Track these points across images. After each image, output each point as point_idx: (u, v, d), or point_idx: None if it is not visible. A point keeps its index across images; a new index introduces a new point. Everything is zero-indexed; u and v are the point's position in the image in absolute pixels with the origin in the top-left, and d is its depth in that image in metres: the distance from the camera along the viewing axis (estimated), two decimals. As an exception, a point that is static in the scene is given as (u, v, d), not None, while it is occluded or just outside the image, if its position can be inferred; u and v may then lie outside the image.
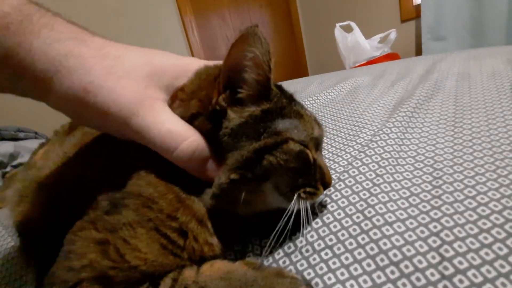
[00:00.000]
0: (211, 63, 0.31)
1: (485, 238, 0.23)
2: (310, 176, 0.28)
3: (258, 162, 0.26)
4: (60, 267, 0.25)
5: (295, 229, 0.29)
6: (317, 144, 0.30)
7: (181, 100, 0.28)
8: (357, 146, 0.40)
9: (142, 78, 0.26)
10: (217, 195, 0.27)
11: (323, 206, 0.31)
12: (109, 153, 0.30)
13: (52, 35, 0.23)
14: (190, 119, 0.27)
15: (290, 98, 0.30)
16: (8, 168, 0.89)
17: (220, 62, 0.31)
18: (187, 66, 0.30)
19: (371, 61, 1.81)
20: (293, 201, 0.27)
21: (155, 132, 0.25)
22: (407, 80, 0.64)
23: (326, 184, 0.29)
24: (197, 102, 0.28)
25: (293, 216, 0.27)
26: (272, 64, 0.26)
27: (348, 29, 1.93)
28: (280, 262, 0.28)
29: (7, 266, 0.36)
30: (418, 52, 2.16)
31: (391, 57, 1.81)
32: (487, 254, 0.21)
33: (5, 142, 0.95)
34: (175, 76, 0.28)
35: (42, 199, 0.32)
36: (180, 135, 0.25)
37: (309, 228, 0.29)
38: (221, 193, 0.26)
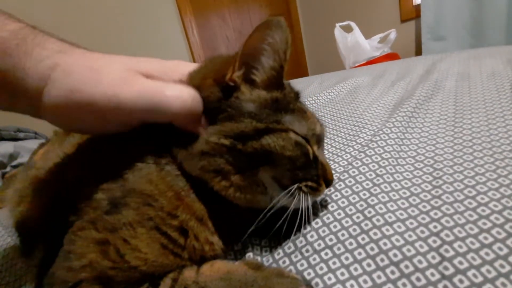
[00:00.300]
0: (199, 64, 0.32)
1: (485, 238, 0.23)
2: (312, 171, 0.28)
3: (254, 140, 0.26)
4: (59, 267, 0.25)
5: (296, 229, 0.29)
6: (319, 141, 0.30)
7: (190, 80, 0.29)
8: (357, 146, 0.40)
9: (124, 66, 0.26)
10: (205, 153, 0.26)
11: (323, 206, 0.31)
12: (108, 152, 0.30)
13: (43, 52, 0.24)
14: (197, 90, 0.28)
15: (297, 95, 0.31)
16: (8, 169, 0.89)
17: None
18: (174, 66, 0.30)
19: (371, 61, 1.81)
20: (292, 191, 0.27)
21: (149, 95, 0.25)
22: (407, 80, 0.64)
23: (328, 181, 0.29)
24: (211, 81, 0.28)
25: (292, 207, 0.27)
26: (288, 56, 0.27)
27: (348, 29, 1.93)
28: (280, 262, 0.28)
29: (7, 266, 0.36)
30: (418, 52, 2.16)
31: (391, 57, 1.81)
32: (487, 254, 0.21)
33: (5, 142, 0.95)
34: (162, 72, 0.28)
35: (42, 199, 0.32)
36: (174, 89, 0.26)
37: (309, 228, 0.29)
38: (209, 154, 0.26)
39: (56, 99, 0.24)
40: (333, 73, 1.02)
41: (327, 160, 0.32)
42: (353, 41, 1.90)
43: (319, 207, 0.31)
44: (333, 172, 0.36)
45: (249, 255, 0.30)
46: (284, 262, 0.27)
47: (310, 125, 0.29)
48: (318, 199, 0.31)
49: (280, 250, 0.29)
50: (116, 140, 0.29)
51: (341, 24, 1.95)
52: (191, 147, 0.27)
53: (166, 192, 0.26)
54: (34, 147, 0.60)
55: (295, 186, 0.27)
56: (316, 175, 0.28)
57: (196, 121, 0.27)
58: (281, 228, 0.28)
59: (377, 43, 1.91)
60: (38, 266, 0.31)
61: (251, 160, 0.26)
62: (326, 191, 0.31)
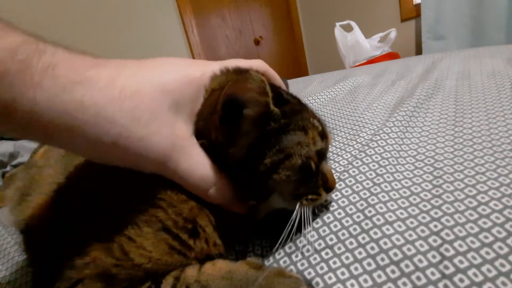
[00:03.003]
0: (216, 69, 0.29)
1: (486, 237, 0.23)
2: (312, 184, 0.28)
3: (264, 182, 0.26)
4: (62, 264, 0.25)
5: (296, 229, 0.29)
6: (321, 154, 0.29)
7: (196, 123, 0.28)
8: (358, 146, 0.40)
9: (167, 115, 0.24)
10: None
11: (323, 206, 0.31)
12: None
13: (56, 84, 0.20)
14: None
15: (294, 111, 0.29)
16: (8, 168, 0.89)
17: (224, 63, 0.30)
18: (199, 81, 0.28)
19: (371, 60, 1.81)
20: (296, 208, 0.27)
21: (189, 178, 0.26)
22: (407, 80, 0.64)
23: (329, 189, 0.29)
24: (202, 125, 0.27)
25: (296, 222, 0.27)
26: (270, 97, 0.25)
27: (348, 28, 1.93)
28: (281, 262, 0.28)
29: (8, 265, 0.36)
30: (418, 51, 2.16)
31: (391, 56, 1.81)
32: (487, 253, 0.22)
33: (5, 141, 0.95)
34: (192, 100, 0.27)
35: (43, 197, 0.32)
36: (210, 180, 0.26)
37: (309, 228, 0.29)
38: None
39: (97, 145, 0.22)
40: (333, 72, 1.02)
41: (330, 167, 0.31)
42: (353, 40, 1.90)
43: (318, 207, 0.31)
44: (333, 172, 0.36)
45: (250, 255, 0.30)
46: (284, 261, 0.27)
47: (310, 145, 0.28)
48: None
49: (280, 250, 0.29)
50: None
51: (341, 23, 1.95)
52: None
53: (187, 201, 0.26)
54: (34, 146, 0.60)
55: (298, 205, 0.27)
56: (316, 186, 0.28)
57: (230, 204, 0.28)
58: (282, 230, 0.28)
59: (377, 42, 1.91)
60: (39, 265, 0.31)
61: (266, 195, 0.27)
62: (328, 196, 0.30)
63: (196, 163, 0.26)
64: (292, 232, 0.28)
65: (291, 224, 0.27)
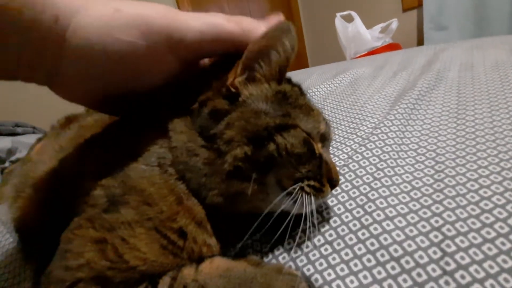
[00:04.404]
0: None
1: (488, 232, 0.22)
2: (315, 169, 0.26)
3: (267, 140, 0.25)
4: (56, 266, 0.25)
5: (295, 225, 0.28)
6: (324, 139, 0.29)
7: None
8: (358, 139, 0.40)
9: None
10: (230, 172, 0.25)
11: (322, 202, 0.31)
12: (109, 148, 0.29)
13: None
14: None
15: (301, 90, 0.31)
16: (7, 164, 0.89)
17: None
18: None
19: (372, 52, 1.78)
20: (295, 193, 0.25)
21: (213, 25, 0.26)
22: (408, 71, 0.63)
23: (333, 181, 0.27)
24: (211, 94, 0.28)
25: (294, 212, 0.25)
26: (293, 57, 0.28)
27: (349, 19, 1.90)
28: (280, 258, 0.27)
29: (5, 263, 0.36)
30: (420, 42, 2.13)
31: (392, 47, 1.79)
32: (489, 249, 0.21)
33: (3, 137, 0.95)
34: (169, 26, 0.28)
35: (38, 194, 0.32)
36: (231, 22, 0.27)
37: (308, 224, 0.29)
38: (234, 174, 0.25)
39: (99, 14, 0.23)
40: (333, 64, 1.00)
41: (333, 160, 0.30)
42: (354, 31, 1.87)
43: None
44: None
45: (249, 251, 0.30)
46: (283, 258, 0.27)
47: (315, 123, 0.28)
48: (322, 201, 0.30)
49: (279, 246, 0.28)
50: (119, 136, 0.29)
51: (342, 13, 1.92)
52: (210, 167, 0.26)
53: (167, 197, 0.26)
54: (32, 142, 0.59)
55: (297, 186, 0.25)
56: (320, 174, 0.27)
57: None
58: (283, 230, 0.27)
59: (379, 33, 1.88)
60: (36, 263, 0.31)
61: (263, 169, 0.25)
62: (332, 192, 0.29)
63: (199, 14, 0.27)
64: (290, 222, 0.25)
65: (291, 218, 0.25)
